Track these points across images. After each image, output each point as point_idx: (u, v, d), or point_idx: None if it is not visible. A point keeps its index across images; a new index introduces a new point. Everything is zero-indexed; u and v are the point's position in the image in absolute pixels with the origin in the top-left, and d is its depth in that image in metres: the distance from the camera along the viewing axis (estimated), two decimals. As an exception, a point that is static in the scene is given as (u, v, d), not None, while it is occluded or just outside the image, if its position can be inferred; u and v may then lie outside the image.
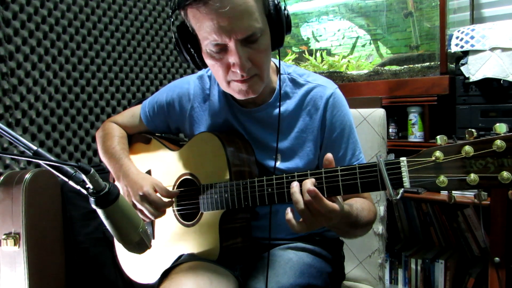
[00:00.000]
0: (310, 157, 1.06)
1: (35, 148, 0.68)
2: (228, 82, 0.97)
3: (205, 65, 0.99)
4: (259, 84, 0.97)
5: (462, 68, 1.80)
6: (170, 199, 1.07)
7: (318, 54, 2.41)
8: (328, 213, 0.79)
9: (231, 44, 0.88)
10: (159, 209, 1.05)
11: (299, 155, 1.05)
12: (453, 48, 1.82)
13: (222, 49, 0.91)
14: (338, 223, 0.86)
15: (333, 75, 2.24)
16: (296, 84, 1.07)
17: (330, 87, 1.06)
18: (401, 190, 0.78)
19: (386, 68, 2.15)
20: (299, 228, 0.82)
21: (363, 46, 2.40)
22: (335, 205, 0.80)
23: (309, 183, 0.80)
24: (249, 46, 0.90)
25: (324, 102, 1.04)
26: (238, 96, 0.99)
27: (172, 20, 0.98)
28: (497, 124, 0.68)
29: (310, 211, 0.80)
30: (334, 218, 0.81)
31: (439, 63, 1.93)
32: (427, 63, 2.03)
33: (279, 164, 1.06)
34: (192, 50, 0.96)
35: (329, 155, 0.85)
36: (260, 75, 0.96)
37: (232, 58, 0.90)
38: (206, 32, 0.89)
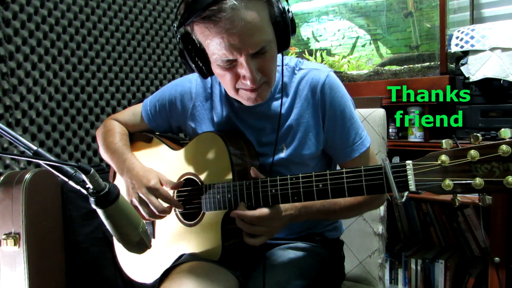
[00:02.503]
0: (312, 142, 1.05)
1: (35, 148, 0.68)
2: (237, 90, 0.97)
3: (211, 74, 0.99)
4: (267, 90, 0.98)
5: (462, 68, 1.80)
6: (176, 202, 1.07)
7: (318, 54, 2.41)
8: (260, 219, 0.92)
9: (242, 59, 0.88)
10: (165, 202, 1.04)
11: (300, 141, 1.05)
12: (453, 48, 1.82)
13: (233, 61, 0.91)
14: (299, 216, 1.00)
15: (333, 75, 2.24)
16: (292, 73, 1.07)
17: (324, 70, 1.05)
18: (406, 193, 0.79)
19: (386, 68, 2.16)
20: (259, 240, 0.95)
21: (363, 46, 2.40)
22: (260, 210, 0.92)
23: (232, 212, 0.95)
24: (258, 57, 0.91)
25: (321, 85, 1.03)
26: (247, 103, 0.99)
27: (178, 36, 0.96)
28: (502, 130, 0.69)
29: (252, 226, 0.93)
30: (275, 218, 0.94)
31: (439, 63, 1.93)
32: (427, 63, 2.03)
33: (283, 154, 1.06)
34: (199, 62, 0.96)
35: (253, 171, 0.96)
36: (269, 82, 0.96)
37: (243, 71, 0.90)
38: (216, 49, 0.88)
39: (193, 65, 0.97)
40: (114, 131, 1.22)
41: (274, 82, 1.00)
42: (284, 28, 0.93)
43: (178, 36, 0.95)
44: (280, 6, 0.92)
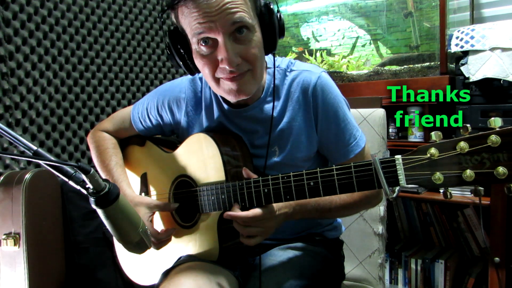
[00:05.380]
0: (305, 145, 1.04)
1: (35, 148, 0.68)
2: (218, 80, 0.94)
3: (197, 69, 0.98)
4: (251, 83, 0.94)
5: (462, 68, 1.80)
6: (167, 234, 1.08)
7: (318, 54, 2.41)
8: (254, 220, 0.91)
9: (220, 39, 0.87)
10: (156, 239, 1.06)
11: (293, 144, 1.04)
12: (453, 48, 1.82)
13: (211, 46, 0.89)
14: (294, 214, 0.99)
15: (333, 75, 2.24)
16: (284, 75, 1.05)
17: (316, 71, 1.03)
18: (397, 188, 0.78)
19: (386, 68, 2.16)
20: (254, 240, 0.94)
21: (363, 46, 2.40)
22: (253, 211, 0.91)
23: (225, 214, 0.93)
24: (239, 42, 0.89)
25: (312, 87, 1.01)
26: (229, 97, 0.97)
27: (162, 20, 0.99)
28: (492, 119, 0.68)
29: (247, 227, 0.92)
30: (268, 218, 0.93)
31: (439, 63, 1.93)
32: (427, 63, 2.03)
33: (276, 157, 1.05)
34: (182, 51, 0.95)
35: (245, 171, 0.95)
36: (253, 70, 0.93)
37: (220, 53, 0.88)
38: (194, 27, 0.87)
39: (178, 58, 0.97)
40: (105, 146, 1.20)
41: (261, 75, 0.97)
42: (270, 25, 0.93)
43: (163, 19, 0.96)
44: (267, 2, 0.93)
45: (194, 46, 0.92)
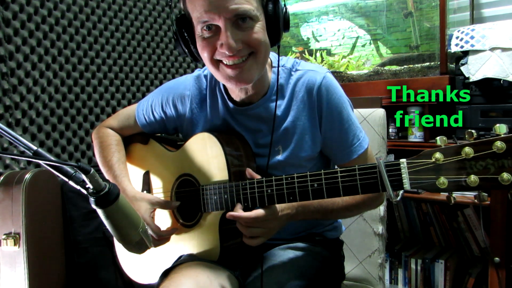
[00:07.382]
0: (308, 145, 1.04)
1: (35, 148, 0.68)
2: (217, 65, 0.94)
3: (201, 57, 0.98)
4: (253, 68, 0.93)
5: (462, 68, 1.80)
6: (168, 232, 1.08)
7: (318, 54, 2.41)
8: (256, 220, 0.91)
9: (221, 24, 0.88)
10: (156, 235, 1.06)
11: (297, 144, 1.04)
12: (453, 48, 1.82)
13: (213, 31, 0.90)
14: (296, 214, 0.99)
15: (333, 75, 2.23)
16: (289, 74, 1.05)
17: (321, 71, 1.04)
18: (401, 192, 0.78)
19: (386, 68, 2.16)
20: (256, 241, 0.94)
21: (363, 46, 2.40)
22: (255, 212, 0.91)
23: (228, 214, 0.93)
24: (241, 29, 0.89)
25: (317, 87, 1.01)
26: (229, 84, 0.97)
27: (171, 4, 0.99)
28: (497, 125, 0.68)
29: (249, 228, 0.92)
30: (271, 219, 0.93)
31: (439, 63, 1.93)
32: (427, 63, 2.03)
33: (279, 156, 1.05)
34: (187, 36, 0.95)
35: (248, 171, 0.95)
36: (256, 54, 0.92)
37: (221, 39, 0.89)
38: (198, 12, 0.88)
39: (184, 45, 0.97)
40: (108, 143, 1.20)
41: (264, 61, 0.96)
42: (275, 18, 0.92)
43: (171, 4, 0.96)
44: None
45: (198, 32, 0.93)
